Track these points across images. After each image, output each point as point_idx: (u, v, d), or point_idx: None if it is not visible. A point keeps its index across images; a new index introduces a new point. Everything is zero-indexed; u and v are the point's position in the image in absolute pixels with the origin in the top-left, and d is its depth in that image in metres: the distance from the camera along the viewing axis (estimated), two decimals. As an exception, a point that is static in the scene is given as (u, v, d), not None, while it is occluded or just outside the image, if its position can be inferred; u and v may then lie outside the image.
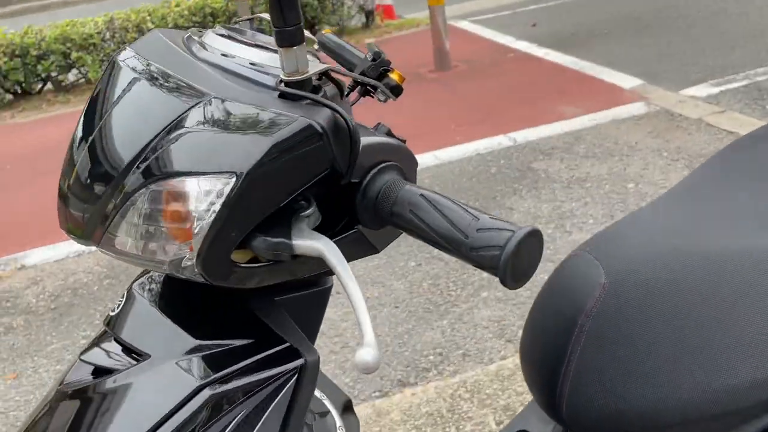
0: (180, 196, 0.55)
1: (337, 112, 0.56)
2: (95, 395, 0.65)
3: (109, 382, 0.65)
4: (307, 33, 0.79)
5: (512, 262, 0.48)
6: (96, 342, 0.70)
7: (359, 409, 1.84)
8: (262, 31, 0.78)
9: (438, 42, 4.83)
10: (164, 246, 0.57)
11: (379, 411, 1.84)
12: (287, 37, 0.53)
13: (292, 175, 0.56)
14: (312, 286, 0.71)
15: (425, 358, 2.04)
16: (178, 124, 0.57)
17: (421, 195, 0.54)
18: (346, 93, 0.65)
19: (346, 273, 0.55)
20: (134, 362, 0.64)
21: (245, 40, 0.66)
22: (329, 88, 0.61)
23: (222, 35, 0.67)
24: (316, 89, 0.58)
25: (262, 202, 0.56)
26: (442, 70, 4.84)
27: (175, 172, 0.56)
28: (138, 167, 0.58)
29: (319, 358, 0.65)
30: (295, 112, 0.56)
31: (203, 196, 0.54)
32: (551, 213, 2.73)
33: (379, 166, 0.58)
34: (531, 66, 4.77)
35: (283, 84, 0.57)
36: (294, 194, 0.56)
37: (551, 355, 0.81)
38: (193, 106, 0.57)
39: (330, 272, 0.73)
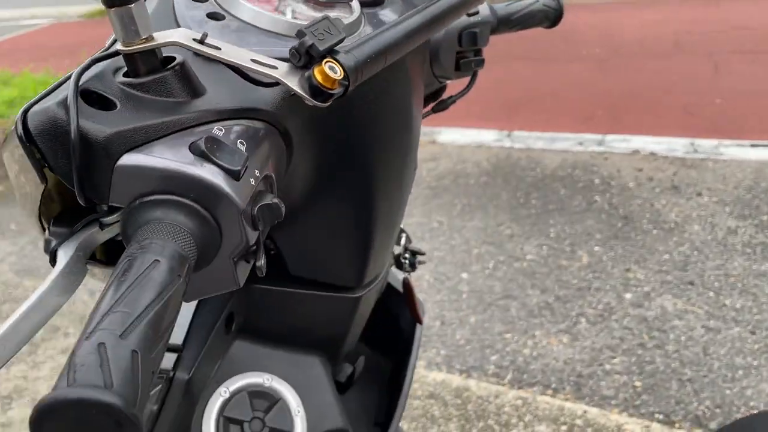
0: None
1: (65, 107, 0.39)
2: None
3: None
4: None
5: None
6: None
7: (629, 421, 1.65)
8: None
9: None
10: None
11: (648, 435, 1.61)
12: None
13: (22, 185, 0.44)
14: (332, 290, 0.63)
15: (746, 407, 1.64)
16: None
17: (126, 258, 0.34)
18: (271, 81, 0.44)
19: (34, 292, 0.39)
20: None
21: None
22: (211, 68, 0.44)
23: None
24: (165, 64, 0.42)
25: (25, 194, 0.46)
26: None
27: None
28: None
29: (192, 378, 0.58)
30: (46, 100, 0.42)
31: None
32: None
33: (148, 198, 0.39)
34: None
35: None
36: (38, 205, 0.43)
37: None
38: None
39: (361, 283, 0.64)
